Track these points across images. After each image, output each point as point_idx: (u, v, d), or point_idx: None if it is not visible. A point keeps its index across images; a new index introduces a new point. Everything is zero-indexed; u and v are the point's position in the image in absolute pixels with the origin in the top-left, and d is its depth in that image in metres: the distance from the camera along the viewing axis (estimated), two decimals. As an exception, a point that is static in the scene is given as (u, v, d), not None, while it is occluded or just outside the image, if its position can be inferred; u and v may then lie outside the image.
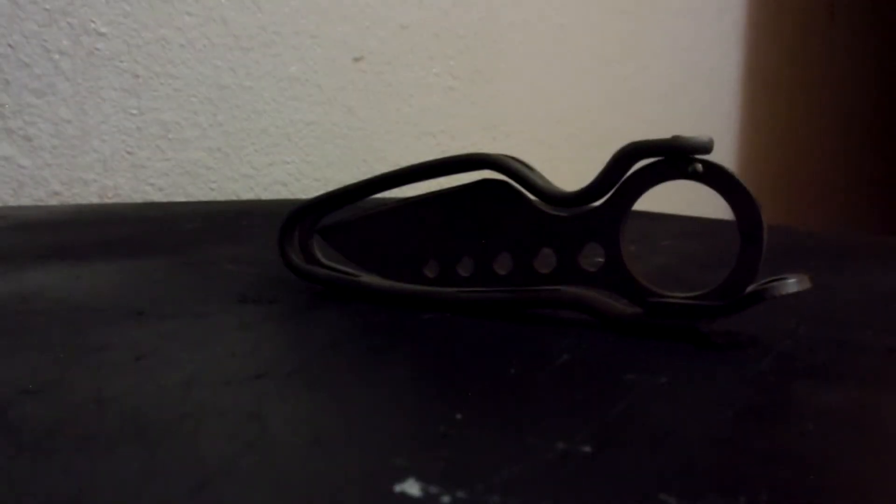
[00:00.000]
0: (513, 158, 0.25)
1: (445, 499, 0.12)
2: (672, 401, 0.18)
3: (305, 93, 0.63)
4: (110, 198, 0.55)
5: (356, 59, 0.66)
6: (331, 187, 0.28)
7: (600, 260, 0.23)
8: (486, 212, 0.25)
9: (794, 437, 0.16)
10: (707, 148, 0.22)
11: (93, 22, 0.52)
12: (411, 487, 0.13)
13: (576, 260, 0.24)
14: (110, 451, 0.14)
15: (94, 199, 0.57)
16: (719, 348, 0.21)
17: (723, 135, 1.05)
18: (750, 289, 0.21)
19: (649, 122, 0.93)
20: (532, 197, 0.24)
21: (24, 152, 0.50)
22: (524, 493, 0.13)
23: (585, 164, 0.86)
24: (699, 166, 0.22)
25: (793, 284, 0.21)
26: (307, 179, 0.64)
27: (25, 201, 0.51)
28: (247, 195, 0.61)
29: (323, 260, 0.28)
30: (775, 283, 0.21)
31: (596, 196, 0.23)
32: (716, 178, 0.22)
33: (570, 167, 0.85)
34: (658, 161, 0.22)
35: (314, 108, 0.64)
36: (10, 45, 0.49)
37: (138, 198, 0.56)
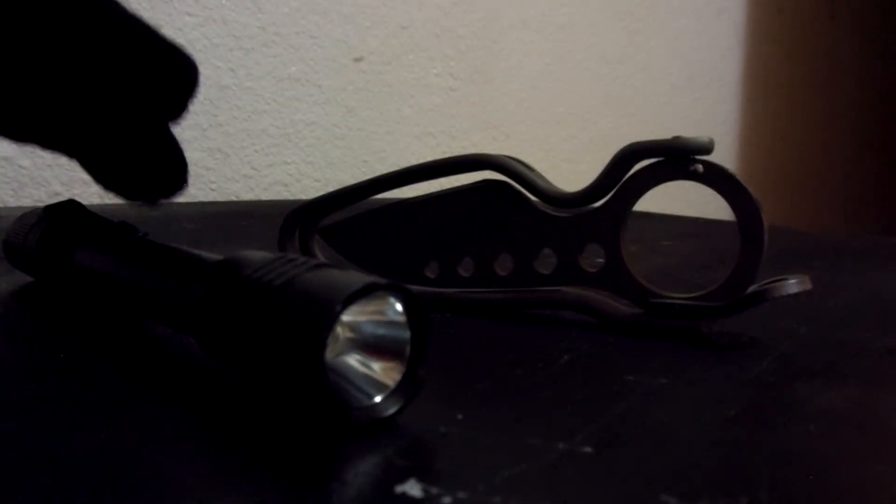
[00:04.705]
0: (513, 159, 0.25)
1: (447, 499, 0.12)
2: (672, 401, 0.18)
3: (306, 93, 0.63)
4: (110, 198, 0.55)
5: (356, 60, 0.66)
6: (331, 188, 0.28)
7: (601, 260, 0.23)
8: (487, 212, 0.25)
9: (794, 437, 0.16)
10: (707, 148, 0.22)
11: (93, 22, 0.52)
12: (412, 488, 0.13)
13: (576, 261, 0.24)
14: (116, 452, 0.14)
15: (95, 200, 0.57)
16: (720, 349, 0.21)
17: (723, 135, 1.05)
18: (750, 289, 0.21)
19: (649, 123, 0.93)
20: (533, 198, 0.24)
21: (24, 153, 0.50)
22: (525, 493, 0.13)
23: (585, 165, 0.87)
24: (699, 167, 0.22)
25: (793, 285, 0.21)
26: (307, 180, 0.64)
27: (26, 202, 0.51)
28: (247, 196, 0.61)
29: (323, 261, 0.28)
30: (776, 284, 0.21)
31: (596, 197, 0.23)
32: (716, 178, 0.22)
33: (570, 167, 0.85)
34: (658, 162, 0.22)
35: (314, 109, 0.64)
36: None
37: (138, 198, 0.56)
